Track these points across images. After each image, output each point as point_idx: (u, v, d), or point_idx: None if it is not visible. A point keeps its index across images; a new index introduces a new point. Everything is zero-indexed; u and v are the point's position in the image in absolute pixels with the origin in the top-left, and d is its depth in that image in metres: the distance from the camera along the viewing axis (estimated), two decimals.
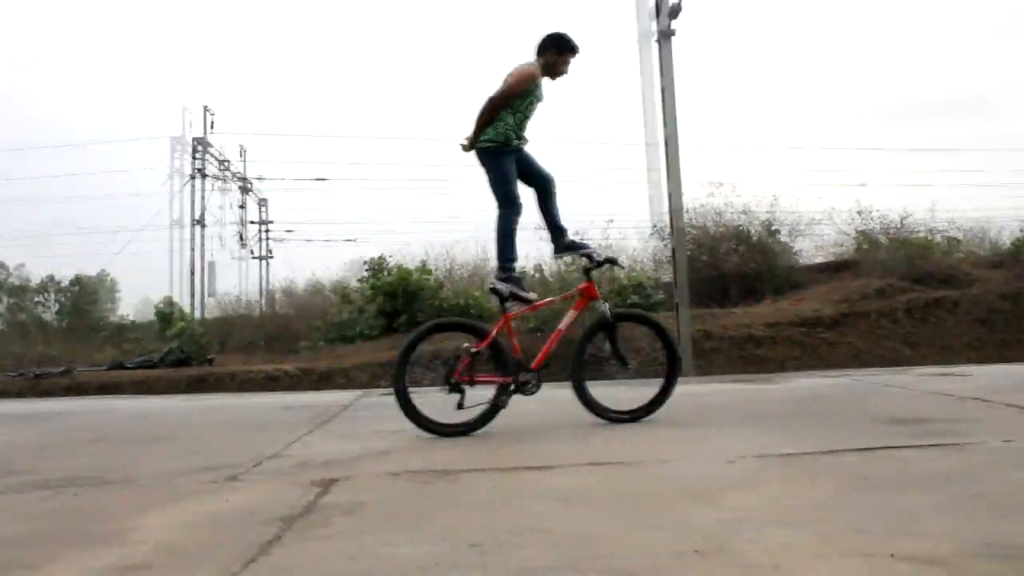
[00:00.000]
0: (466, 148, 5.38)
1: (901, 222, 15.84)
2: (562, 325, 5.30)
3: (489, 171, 5.29)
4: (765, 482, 3.27)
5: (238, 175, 32.51)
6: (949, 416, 4.89)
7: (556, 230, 5.50)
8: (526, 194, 5.38)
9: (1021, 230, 17.24)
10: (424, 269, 15.27)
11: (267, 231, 34.72)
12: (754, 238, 15.01)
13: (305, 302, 18.62)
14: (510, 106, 5.26)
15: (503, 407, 5.03)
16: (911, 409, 5.29)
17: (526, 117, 5.34)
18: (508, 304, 5.20)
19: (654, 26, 11.05)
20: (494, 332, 5.04)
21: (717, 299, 13.59)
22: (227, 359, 15.07)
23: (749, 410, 5.44)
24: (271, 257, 34.46)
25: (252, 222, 34.26)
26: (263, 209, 34.74)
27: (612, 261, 5.72)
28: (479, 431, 4.92)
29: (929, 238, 15.78)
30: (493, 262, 18.17)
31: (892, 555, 2.27)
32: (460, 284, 16.27)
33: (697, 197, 15.11)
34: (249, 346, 16.47)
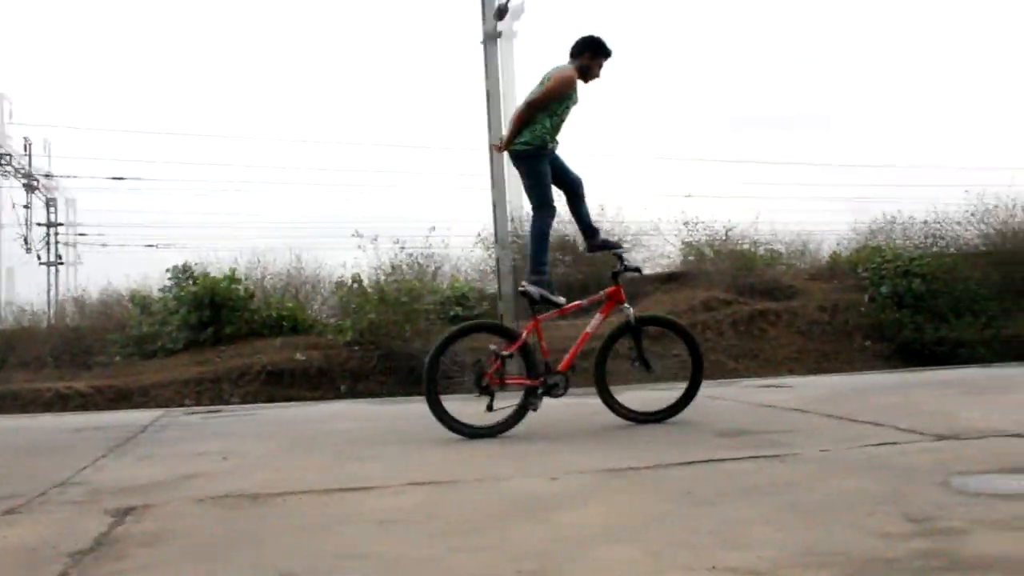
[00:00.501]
0: (500, 149, 5.77)
1: (726, 234, 16.70)
2: (589, 328, 5.66)
3: (525, 174, 5.59)
4: (593, 498, 3.35)
5: (21, 171, 30.44)
6: (771, 428, 5.18)
7: (588, 229, 5.87)
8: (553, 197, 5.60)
9: (839, 244, 18.54)
10: (232, 278, 14.76)
11: (56, 234, 32.67)
12: (581, 248, 15.44)
13: (100, 313, 17.61)
14: (548, 109, 5.53)
15: (533, 410, 5.29)
16: (735, 422, 5.57)
17: (562, 120, 5.62)
18: (538, 307, 5.48)
19: (497, 27, 11.19)
20: (524, 335, 5.34)
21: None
22: (9, 376, 14.04)
23: (578, 425, 5.57)
24: (60, 263, 32.43)
25: (39, 224, 32.17)
26: (52, 210, 32.68)
27: (638, 270, 6.12)
28: (508, 432, 5.20)
29: (752, 250, 16.71)
30: (308, 271, 17.46)
31: (713, 567, 2.38)
32: (274, 294, 15.84)
33: (524, 205, 15.31)
34: (35, 362, 15.41)
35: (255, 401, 11.19)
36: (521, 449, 4.71)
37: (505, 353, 5.20)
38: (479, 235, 15.40)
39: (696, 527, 2.83)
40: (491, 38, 11.10)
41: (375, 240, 14.18)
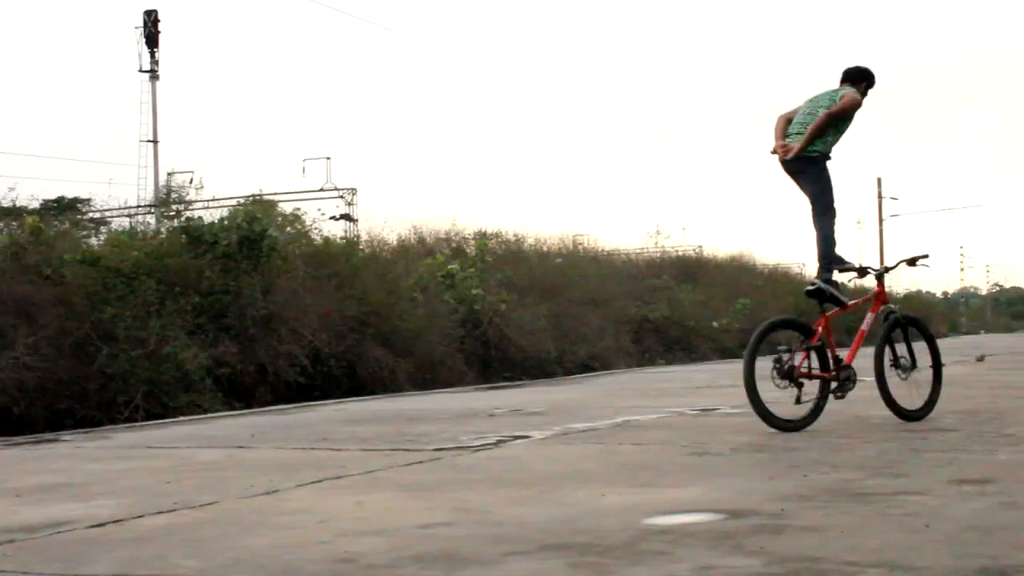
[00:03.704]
0: (782, 155, 9.20)
1: None
2: (864, 325, 9.19)
3: (815, 179, 9.21)
4: None
5: None
6: None
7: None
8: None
9: None
10: None
11: None
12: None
13: None
14: (836, 125, 9.12)
15: (842, 397, 8.68)
16: None
17: (841, 137, 9.28)
18: (826, 305, 8.80)
19: None
20: (819, 331, 8.58)
21: None
22: None
23: None
24: None
25: None
26: None
27: (912, 261, 9.62)
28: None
29: None
30: None
31: None
32: None
33: None
34: None
35: None
36: None
37: (815, 344, 8.44)
38: None
39: None
40: None
41: None
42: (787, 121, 9.39)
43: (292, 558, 4.35)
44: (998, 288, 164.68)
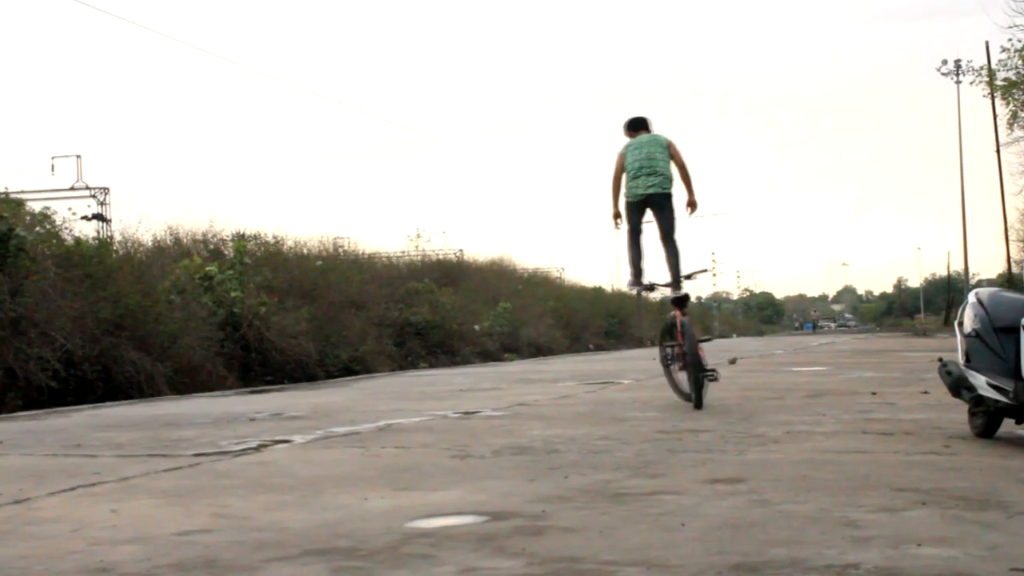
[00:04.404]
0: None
1: None
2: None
3: (671, 210, 11.38)
4: None
5: None
6: None
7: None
8: None
9: None
10: None
11: None
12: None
13: None
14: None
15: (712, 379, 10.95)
16: None
17: None
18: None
19: None
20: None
21: None
22: None
23: None
24: None
25: None
26: None
27: (689, 276, 11.78)
28: None
29: None
30: None
31: None
32: None
33: None
34: None
35: None
36: None
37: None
38: None
39: None
40: None
41: None
42: (619, 178, 11.57)
43: (43, 569, 4.23)
44: (748, 293, 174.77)
